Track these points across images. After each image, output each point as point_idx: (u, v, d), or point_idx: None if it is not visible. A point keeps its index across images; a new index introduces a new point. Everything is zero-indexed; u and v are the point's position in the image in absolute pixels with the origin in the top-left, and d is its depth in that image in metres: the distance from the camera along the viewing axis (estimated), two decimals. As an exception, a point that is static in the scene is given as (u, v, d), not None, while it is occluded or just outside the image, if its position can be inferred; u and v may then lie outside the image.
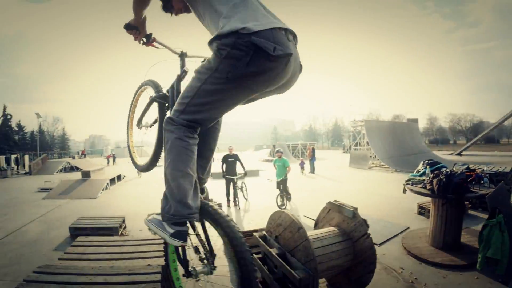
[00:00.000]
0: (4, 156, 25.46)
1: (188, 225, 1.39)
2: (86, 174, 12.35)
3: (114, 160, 29.53)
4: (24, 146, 46.14)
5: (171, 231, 1.27)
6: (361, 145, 20.79)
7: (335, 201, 3.30)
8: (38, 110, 33.73)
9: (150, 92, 1.86)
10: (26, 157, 27.26)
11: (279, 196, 7.63)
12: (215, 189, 9.04)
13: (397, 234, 5.02)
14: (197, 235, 1.47)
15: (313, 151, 16.27)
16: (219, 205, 7.75)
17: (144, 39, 1.59)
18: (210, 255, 1.44)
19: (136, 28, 1.52)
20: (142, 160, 1.94)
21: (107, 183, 11.37)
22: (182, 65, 1.64)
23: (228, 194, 8.03)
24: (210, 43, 1.25)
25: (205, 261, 1.43)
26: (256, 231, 4.77)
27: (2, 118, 44.76)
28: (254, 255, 3.23)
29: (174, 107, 1.35)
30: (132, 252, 3.69)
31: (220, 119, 1.55)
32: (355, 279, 2.93)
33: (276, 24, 1.21)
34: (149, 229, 1.37)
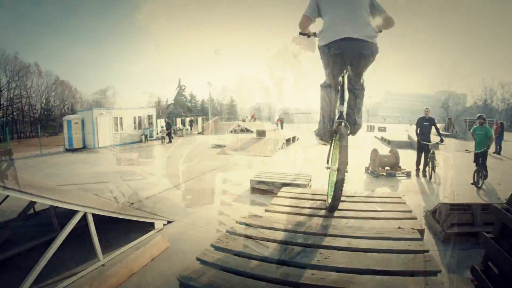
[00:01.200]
0: (180, 119, 32.51)
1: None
2: (261, 133, 13.98)
3: (282, 125, 31.39)
4: (196, 112, 57.99)
5: (319, 139, 2.96)
6: None
7: None
8: (209, 80, 39.93)
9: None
10: (200, 119, 33.80)
11: (476, 172, 6.33)
12: (403, 158, 8.29)
13: None
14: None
15: (502, 127, 12.59)
16: (408, 173, 7.09)
17: (313, 35, 2.67)
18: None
19: (307, 34, 2.68)
20: None
21: (283, 143, 12.51)
22: None
23: (418, 163, 7.47)
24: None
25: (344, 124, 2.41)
26: (470, 205, 3.88)
27: (177, 88, 57.56)
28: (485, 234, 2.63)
29: None
30: (363, 210, 2.85)
31: (359, 88, 2.63)
32: None
33: (338, 36, 2.35)
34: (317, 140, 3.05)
